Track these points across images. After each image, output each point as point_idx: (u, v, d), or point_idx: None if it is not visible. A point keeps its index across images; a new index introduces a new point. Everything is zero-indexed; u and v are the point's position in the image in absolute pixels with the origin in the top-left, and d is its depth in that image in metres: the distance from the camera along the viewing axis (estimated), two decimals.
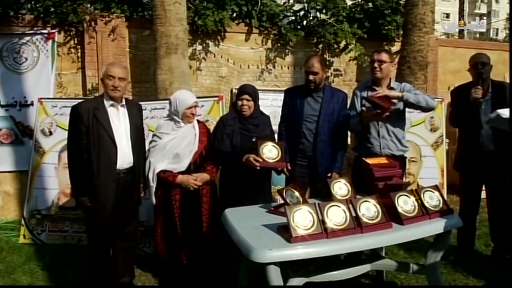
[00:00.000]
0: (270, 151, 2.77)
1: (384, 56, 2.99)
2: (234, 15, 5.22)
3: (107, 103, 2.66)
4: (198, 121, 3.02)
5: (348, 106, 3.14)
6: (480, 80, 3.08)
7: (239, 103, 2.90)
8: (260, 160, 2.71)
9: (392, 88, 2.99)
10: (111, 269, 2.75)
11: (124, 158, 2.66)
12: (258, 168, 2.70)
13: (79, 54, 4.80)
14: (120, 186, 2.65)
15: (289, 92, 3.24)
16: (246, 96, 2.88)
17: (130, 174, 2.71)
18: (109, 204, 2.60)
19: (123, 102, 2.74)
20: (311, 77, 2.98)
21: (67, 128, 3.91)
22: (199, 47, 5.09)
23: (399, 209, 2.26)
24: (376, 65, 2.99)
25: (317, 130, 3.00)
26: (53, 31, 4.65)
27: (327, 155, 3.03)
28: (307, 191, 3.10)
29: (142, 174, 2.85)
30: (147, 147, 2.94)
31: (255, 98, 2.93)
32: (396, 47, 5.65)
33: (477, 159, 3.14)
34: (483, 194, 3.36)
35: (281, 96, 3.32)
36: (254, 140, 2.81)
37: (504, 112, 2.85)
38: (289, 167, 2.98)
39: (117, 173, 2.63)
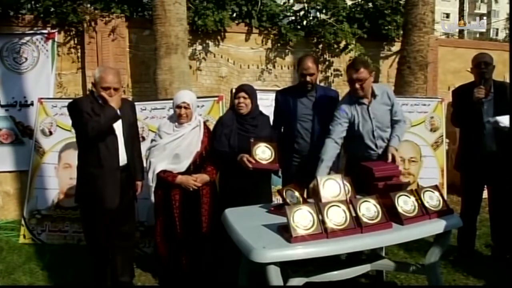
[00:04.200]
0: (263, 152, 2.76)
1: (364, 73, 2.72)
2: (234, 15, 5.22)
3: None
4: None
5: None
6: (482, 80, 3.07)
7: (236, 101, 2.91)
8: (253, 161, 2.71)
9: (375, 95, 2.85)
10: (111, 269, 2.75)
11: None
12: (251, 169, 2.70)
13: (79, 54, 4.79)
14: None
15: (281, 93, 3.23)
16: (243, 94, 2.89)
17: (125, 172, 2.71)
18: (110, 198, 2.60)
19: None
20: (308, 78, 2.98)
21: (67, 128, 3.97)
22: (199, 47, 5.09)
23: (399, 209, 2.26)
24: (357, 86, 2.74)
25: (313, 129, 3.01)
26: (53, 31, 4.64)
27: None
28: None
29: (140, 170, 2.87)
30: (148, 146, 2.95)
31: (252, 97, 2.92)
32: (396, 47, 5.65)
33: (479, 159, 3.13)
34: (485, 194, 3.36)
35: None
36: (252, 140, 2.81)
37: (503, 121, 2.87)
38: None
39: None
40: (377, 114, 2.86)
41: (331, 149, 2.77)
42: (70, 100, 2.70)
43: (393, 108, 2.92)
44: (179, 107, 2.83)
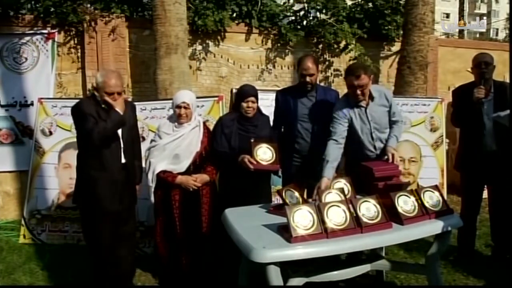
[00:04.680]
0: (264, 153, 2.76)
1: (365, 79, 2.70)
2: (234, 15, 5.22)
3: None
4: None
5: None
6: (482, 80, 3.07)
7: (245, 105, 2.86)
8: (254, 162, 2.71)
9: (373, 98, 2.83)
10: (111, 268, 2.75)
11: None
12: (252, 170, 2.70)
13: (79, 54, 4.79)
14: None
15: (281, 93, 3.22)
16: (252, 99, 2.86)
17: (124, 173, 2.69)
18: (110, 200, 2.61)
19: None
20: (308, 79, 2.97)
21: (67, 128, 3.97)
22: (199, 47, 5.09)
23: (399, 209, 2.26)
24: (358, 92, 2.73)
25: (314, 129, 3.01)
26: (53, 31, 4.65)
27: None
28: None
29: (138, 175, 2.86)
30: (148, 146, 2.95)
31: (257, 99, 2.93)
32: (396, 47, 5.65)
33: (479, 159, 3.13)
34: (485, 194, 3.36)
35: None
36: (252, 140, 2.80)
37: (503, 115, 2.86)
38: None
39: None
40: (375, 116, 2.86)
41: (335, 150, 2.76)
42: (73, 104, 2.65)
43: (391, 109, 2.92)
44: (178, 107, 2.83)
